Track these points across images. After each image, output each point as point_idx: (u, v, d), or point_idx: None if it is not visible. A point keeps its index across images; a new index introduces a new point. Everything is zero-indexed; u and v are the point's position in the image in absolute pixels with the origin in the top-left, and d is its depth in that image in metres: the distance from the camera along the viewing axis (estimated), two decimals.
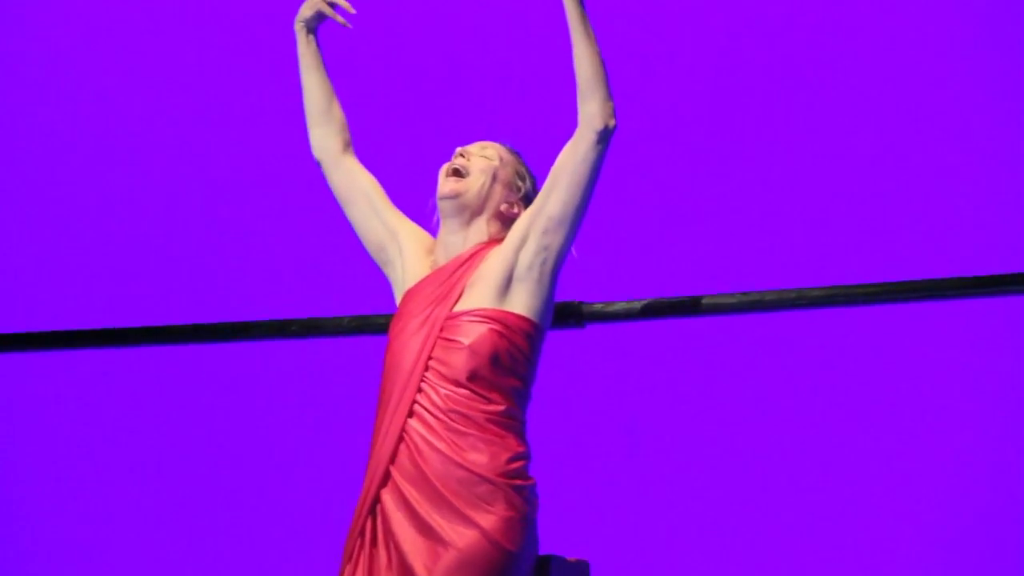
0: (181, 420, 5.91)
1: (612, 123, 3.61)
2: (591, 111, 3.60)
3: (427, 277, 3.72)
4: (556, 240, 3.63)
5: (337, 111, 3.96)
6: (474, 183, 3.72)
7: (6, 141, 6.13)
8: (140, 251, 5.99)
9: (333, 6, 3.94)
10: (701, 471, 5.33)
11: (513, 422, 3.59)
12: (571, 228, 3.63)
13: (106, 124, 6.09)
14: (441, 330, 3.62)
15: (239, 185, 5.95)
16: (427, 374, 3.60)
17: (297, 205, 5.83)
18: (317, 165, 3.97)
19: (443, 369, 3.58)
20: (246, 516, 5.86)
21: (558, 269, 3.65)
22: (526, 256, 3.64)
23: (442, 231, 3.77)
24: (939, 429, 5.11)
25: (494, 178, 3.73)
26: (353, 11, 3.93)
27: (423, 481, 3.54)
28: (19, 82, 6.14)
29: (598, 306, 4.01)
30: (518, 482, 3.54)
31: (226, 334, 4.42)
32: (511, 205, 3.74)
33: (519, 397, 3.61)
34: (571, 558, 3.62)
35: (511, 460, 3.54)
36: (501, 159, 3.76)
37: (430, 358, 3.61)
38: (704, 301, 3.91)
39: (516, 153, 3.80)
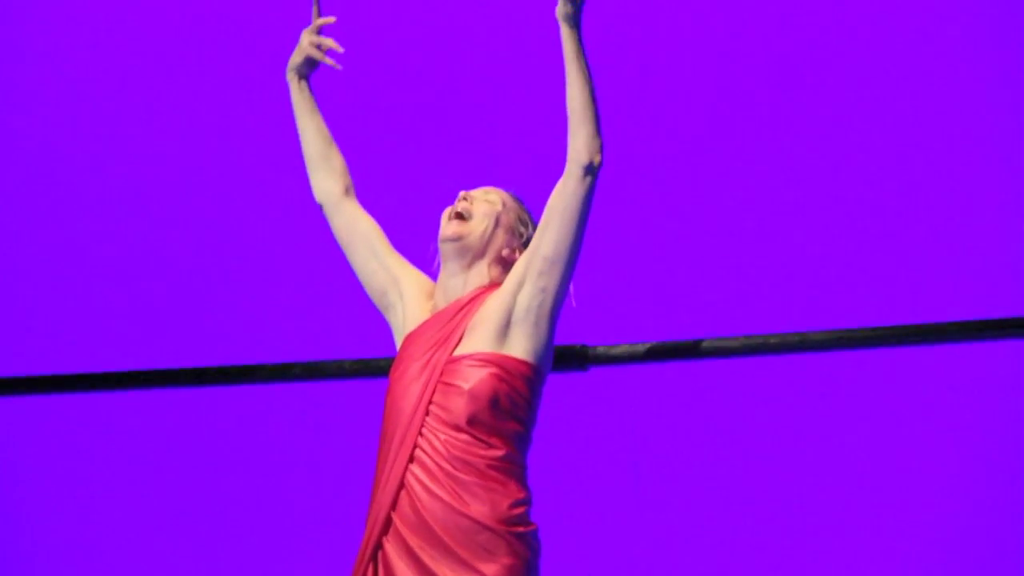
0: (182, 464, 5.90)
1: (598, 159, 3.60)
2: (578, 146, 3.59)
3: (427, 321, 3.72)
4: (552, 281, 3.61)
5: (336, 156, 3.96)
6: (476, 226, 3.72)
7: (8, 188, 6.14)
8: (142, 294, 5.99)
9: (323, 49, 3.95)
10: (704, 514, 5.31)
11: (514, 467, 3.57)
12: (566, 268, 3.62)
13: (110, 167, 6.10)
14: (441, 374, 3.61)
15: (241, 228, 5.95)
16: (427, 419, 3.58)
17: (299, 248, 5.83)
18: (319, 208, 3.98)
19: (443, 414, 3.57)
20: (248, 562, 5.84)
21: (556, 311, 3.64)
22: (524, 298, 3.63)
23: (443, 274, 3.76)
24: (943, 473, 5.09)
25: (496, 222, 3.73)
26: (342, 50, 3.92)
27: (425, 529, 3.52)
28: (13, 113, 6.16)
29: (601, 349, 4.00)
30: (520, 529, 3.53)
31: (228, 377, 4.42)
32: (512, 250, 3.73)
33: (520, 441, 3.60)
34: None
35: (512, 506, 3.53)
36: (504, 204, 3.75)
37: (431, 403, 3.59)
38: (707, 344, 3.91)
39: (519, 200, 3.80)
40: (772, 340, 3.90)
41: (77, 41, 6.16)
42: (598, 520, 5.37)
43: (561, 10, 3.61)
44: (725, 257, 5.34)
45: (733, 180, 5.39)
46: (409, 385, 3.64)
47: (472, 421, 3.55)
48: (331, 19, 3.98)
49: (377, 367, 4.13)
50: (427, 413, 3.59)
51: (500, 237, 3.73)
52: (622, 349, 4.00)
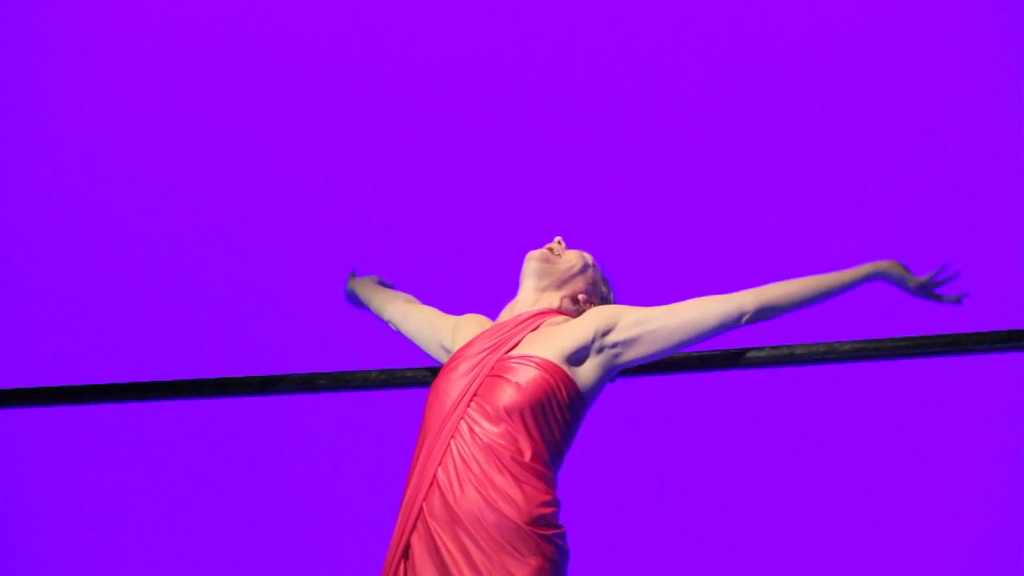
0: (209, 474, 5.91)
1: (746, 322, 3.74)
2: (761, 304, 3.74)
3: (485, 331, 3.77)
4: (641, 347, 3.71)
5: (396, 294, 4.11)
6: (564, 261, 3.84)
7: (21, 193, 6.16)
8: (169, 305, 6.00)
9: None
10: (730, 523, 5.31)
11: (544, 470, 3.58)
12: (658, 348, 3.71)
13: (130, 183, 6.12)
14: (491, 369, 3.66)
15: (268, 240, 5.96)
16: (469, 410, 3.61)
17: (325, 259, 5.84)
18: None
19: (485, 404, 3.60)
20: (274, 571, 5.84)
21: (621, 366, 3.71)
22: (608, 338, 3.70)
23: (516, 297, 3.85)
24: (967, 482, 5.08)
25: (583, 268, 3.85)
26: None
27: (454, 525, 3.53)
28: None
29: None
30: (547, 531, 3.54)
31: (254, 388, 4.42)
32: (588, 297, 3.84)
33: (552, 452, 3.61)
34: None
35: (540, 506, 3.54)
36: (592, 263, 3.89)
37: (475, 395, 3.63)
38: (733, 355, 3.90)
39: (598, 267, 3.91)
40: (799, 350, 3.89)
41: (79, 44, 6.18)
42: (625, 527, 5.37)
43: (909, 287, 3.80)
44: (751, 267, 5.34)
45: (761, 190, 5.39)
46: (456, 380, 3.68)
47: (512, 413, 3.58)
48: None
49: (403, 378, 4.13)
50: (470, 404, 3.62)
51: (581, 281, 3.85)
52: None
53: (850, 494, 5.22)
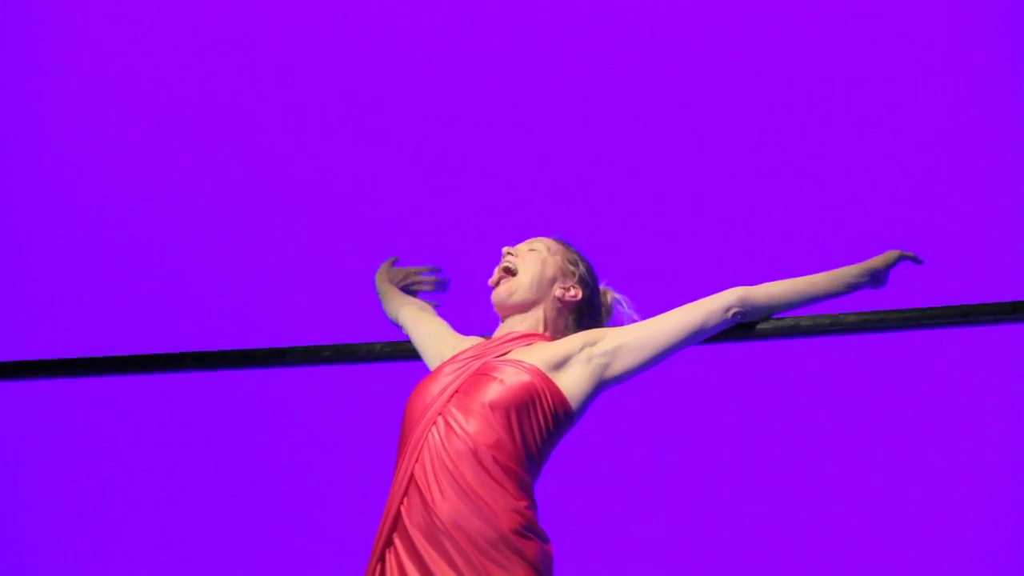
0: (213, 446, 5.92)
1: (731, 314, 3.71)
2: (751, 301, 3.72)
3: (474, 346, 3.74)
4: (628, 358, 3.66)
5: (411, 299, 4.10)
6: (524, 277, 3.75)
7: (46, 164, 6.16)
8: (174, 277, 6.00)
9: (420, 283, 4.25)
10: (735, 497, 5.31)
11: (524, 475, 3.51)
12: (646, 359, 3.66)
13: (142, 152, 6.12)
14: (477, 369, 3.61)
15: (273, 212, 5.96)
16: (449, 405, 3.55)
17: (330, 232, 5.84)
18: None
19: (468, 400, 3.54)
20: (275, 544, 5.85)
21: (610, 381, 3.66)
22: (595, 348, 3.65)
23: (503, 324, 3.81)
24: (974, 454, 5.08)
25: (544, 268, 3.76)
26: (439, 278, 4.22)
27: (435, 531, 3.46)
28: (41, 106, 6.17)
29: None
30: (532, 539, 3.47)
31: (259, 360, 4.42)
32: (567, 289, 3.77)
33: (531, 458, 3.54)
34: None
35: (522, 511, 3.47)
36: (548, 249, 3.80)
37: (457, 391, 3.57)
38: (738, 327, 3.89)
39: (563, 242, 3.84)
40: (804, 322, 3.88)
41: (80, 41, 6.17)
42: (625, 498, 5.38)
43: (882, 273, 3.79)
44: (756, 239, 5.33)
45: (777, 157, 5.39)
46: (439, 378, 3.64)
47: (496, 408, 3.51)
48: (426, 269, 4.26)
49: (408, 350, 4.13)
50: (451, 399, 3.56)
51: (550, 280, 3.76)
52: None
53: (856, 467, 5.22)
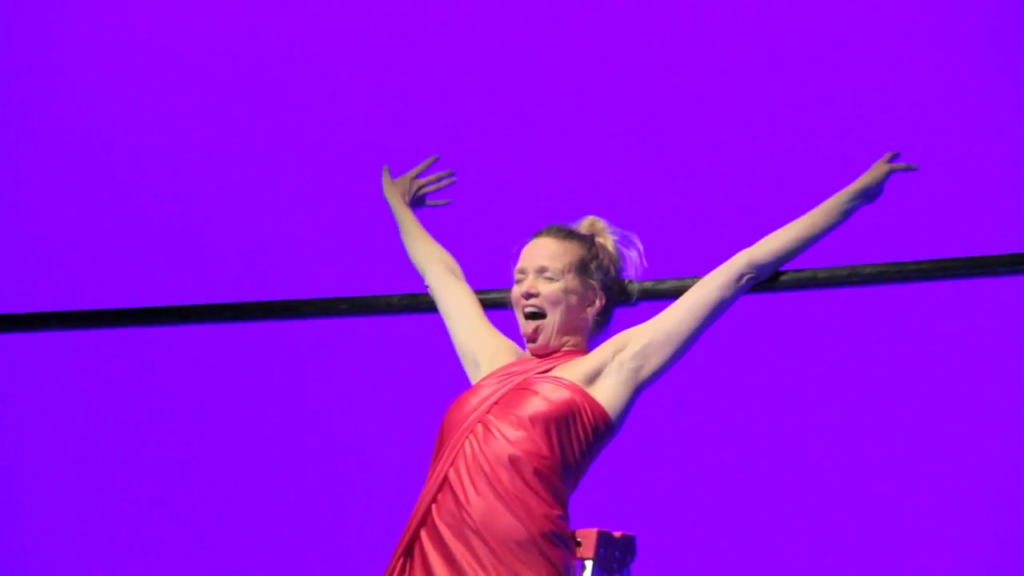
0: (231, 398, 5.93)
1: (745, 280, 3.69)
2: (760, 256, 3.70)
3: (516, 361, 3.75)
4: (657, 354, 3.65)
5: (439, 254, 4.05)
6: (552, 317, 3.71)
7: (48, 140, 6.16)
8: (191, 230, 6.01)
9: (428, 188, 4.23)
10: (749, 447, 5.32)
11: (561, 486, 3.53)
12: (676, 348, 3.66)
13: (151, 114, 6.11)
14: (519, 384, 3.62)
15: (290, 166, 5.96)
16: (489, 415, 3.57)
17: (347, 185, 5.84)
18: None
19: (509, 411, 3.56)
20: (293, 495, 5.87)
21: (647, 382, 3.66)
22: (625, 355, 3.65)
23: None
24: (991, 406, 5.08)
25: (567, 298, 3.72)
26: (451, 180, 4.21)
27: (463, 528, 3.48)
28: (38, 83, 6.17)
29: (649, 284, 3.99)
30: (559, 547, 3.48)
31: (276, 312, 4.43)
32: (593, 303, 3.75)
33: (569, 470, 3.56)
34: (617, 533, 3.59)
35: (554, 520, 3.49)
36: (564, 271, 3.73)
37: (498, 402, 3.59)
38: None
39: (571, 237, 3.79)
40: (821, 274, 3.88)
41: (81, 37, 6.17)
42: (643, 449, 5.39)
43: (873, 190, 3.73)
44: (771, 190, 5.32)
45: (783, 121, 5.37)
46: (480, 389, 3.66)
47: (536, 421, 3.53)
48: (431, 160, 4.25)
49: (426, 302, 4.13)
50: (490, 409, 3.58)
51: (577, 307, 3.73)
52: (670, 284, 3.98)
53: (872, 418, 5.22)
